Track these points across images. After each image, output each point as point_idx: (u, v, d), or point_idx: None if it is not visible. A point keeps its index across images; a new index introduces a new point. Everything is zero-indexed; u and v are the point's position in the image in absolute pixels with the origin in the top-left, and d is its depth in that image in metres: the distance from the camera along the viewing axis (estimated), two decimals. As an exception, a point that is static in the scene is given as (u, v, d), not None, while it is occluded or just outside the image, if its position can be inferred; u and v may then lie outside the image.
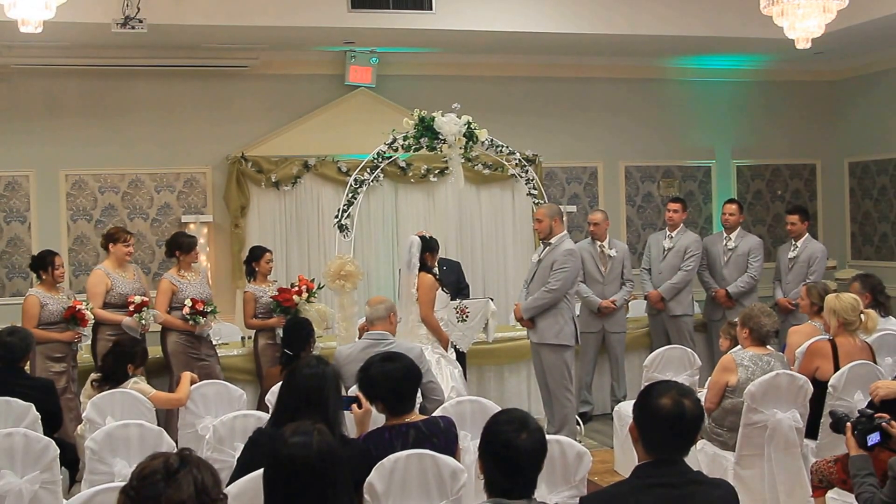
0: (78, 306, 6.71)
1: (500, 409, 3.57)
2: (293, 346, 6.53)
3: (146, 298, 6.97)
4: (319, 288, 7.41)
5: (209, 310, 6.97)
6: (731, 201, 8.81)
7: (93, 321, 6.86)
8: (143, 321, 6.84)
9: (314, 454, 2.79)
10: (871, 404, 4.64)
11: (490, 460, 2.98)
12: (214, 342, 7.37)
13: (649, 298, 8.42)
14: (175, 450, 4.72)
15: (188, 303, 6.92)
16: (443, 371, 6.24)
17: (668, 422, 2.91)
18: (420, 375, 4.21)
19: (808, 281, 7.60)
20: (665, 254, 8.41)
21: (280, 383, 4.03)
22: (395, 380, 4.03)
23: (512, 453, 2.93)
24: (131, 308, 6.83)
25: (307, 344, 6.62)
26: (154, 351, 7.22)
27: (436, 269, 7.02)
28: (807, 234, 8.35)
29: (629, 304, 8.52)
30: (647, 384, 3.13)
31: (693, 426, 2.95)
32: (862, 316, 5.45)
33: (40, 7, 5.94)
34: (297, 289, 7.27)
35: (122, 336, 6.45)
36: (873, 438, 3.89)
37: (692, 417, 2.93)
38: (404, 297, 6.63)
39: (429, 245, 6.71)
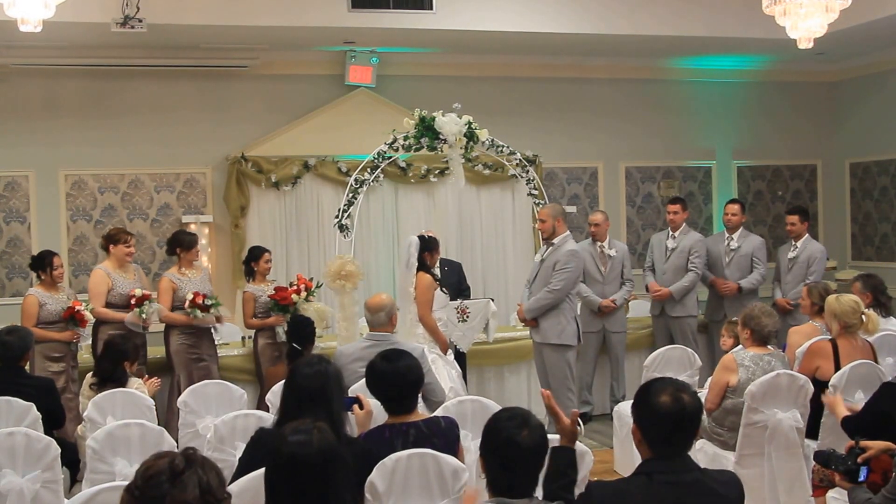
0: (77, 307, 6.70)
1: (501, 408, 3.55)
2: (300, 340, 6.57)
3: (148, 292, 6.95)
4: (318, 287, 7.40)
5: (210, 303, 6.93)
6: (733, 201, 8.79)
7: (92, 322, 6.85)
8: (145, 315, 6.81)
9: (314, 452, 2.77)
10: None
11: (492, 458, 2.98)
12: (217, 340, 7.36)
13: (650, 289, 8.39)
14: (177, 449, 4.74)
15: (189, 296, 6.90)
16: (440, 372, 6.22)
17: (669, 418, 2.92)
18: (423, 375, 4.20)
19: (807, 281, 7.60)
20: (668, 254, 8.39)
21: (282, 383, 4.01)
22: (397, 377, 4.02)
23: (514, 450, 2.93)
24: (133, 302, 6.81)
25: (311, 340, 6.65)
26: (157, 351, 7.22)
27: (436, 270, 7.01)
28: (806, 235, 8.33)
29: (629, 304, 8.51)
30: (642, 384, 3.13)
31: (694, 420, 2.97)
32: (863, 317, 5.44)
33: (39, 6, 5.93)
34: (295, 287, 7.25)
35: (112, 336, 6.41)
36: (863, 474, 3.95)
37: (692, 411, 2.95)
38: (402, 297, 6.62)
39: (427, 245, 6.70)
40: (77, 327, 6.74)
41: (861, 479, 3.96)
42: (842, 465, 4.01)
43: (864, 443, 4.08)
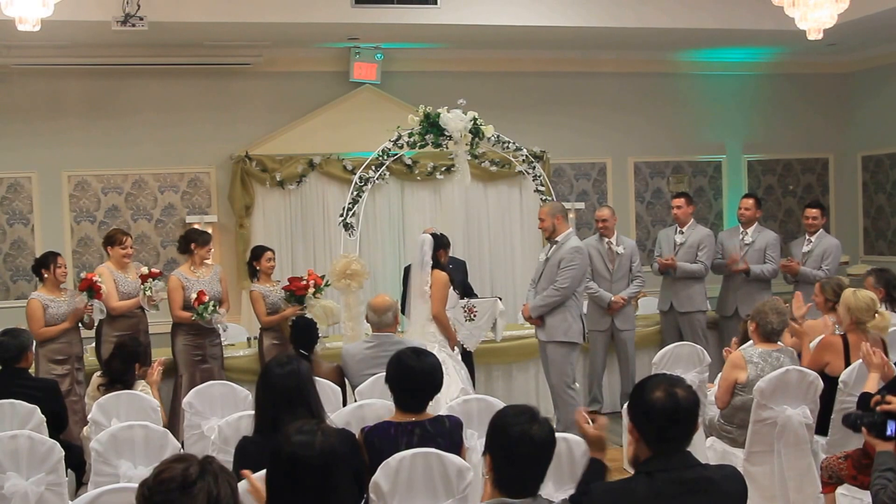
0: (94, 278, 6.70)
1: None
2: (306, 345, 6.43)
3: (156, 270, 7.03)
4: (326, 285, 7.31)
5: (209, 306, 6.83)
6: (748, 196, 8.70)
7: (104, 313, 6.81)
8: (150, 291, 6.85)
9: (316, 454, 2.74)
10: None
11: (501, 454, 2.93)
12: (223, 341, 7.31)
13: (658, 262, 8.27)
14: (181, 450, 4.70)
15: (193, 295, 6.87)
16: (449, 371, 6.16)
17: (664, 415, 2.87)
18: (443, 380, 4.13)
19: (820, 276, 7.53)
20: (677, 249, 8.29)
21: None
22: (423, 374, 3.98)
23: (527, 445, 2.89)
24: (141, 278, 6.90)
25: (315, 344, 6.56)
26: (163, 352, 7.17)
27: (443, 267, 6.95)
28: (821, 230, 8.25)
29: (638, 301, 8.42)
30: (636, 383, 3.07)
31: (690, 414, 2.91)
32: (876, 315, 5.38)
33: (37, 5, 5.89)
34: (305, 283, 7.18)
35: (123, 337, 6.39)
36: (891, 428, 3.86)
37: (687, 406, 2.89)
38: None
39: (440, 242, 6.67)
40: (93, 298, 6.69)
41: (889, 432, 3.87)
42: (867, 419, 3.93)
43: (889, 397, 3.99)
